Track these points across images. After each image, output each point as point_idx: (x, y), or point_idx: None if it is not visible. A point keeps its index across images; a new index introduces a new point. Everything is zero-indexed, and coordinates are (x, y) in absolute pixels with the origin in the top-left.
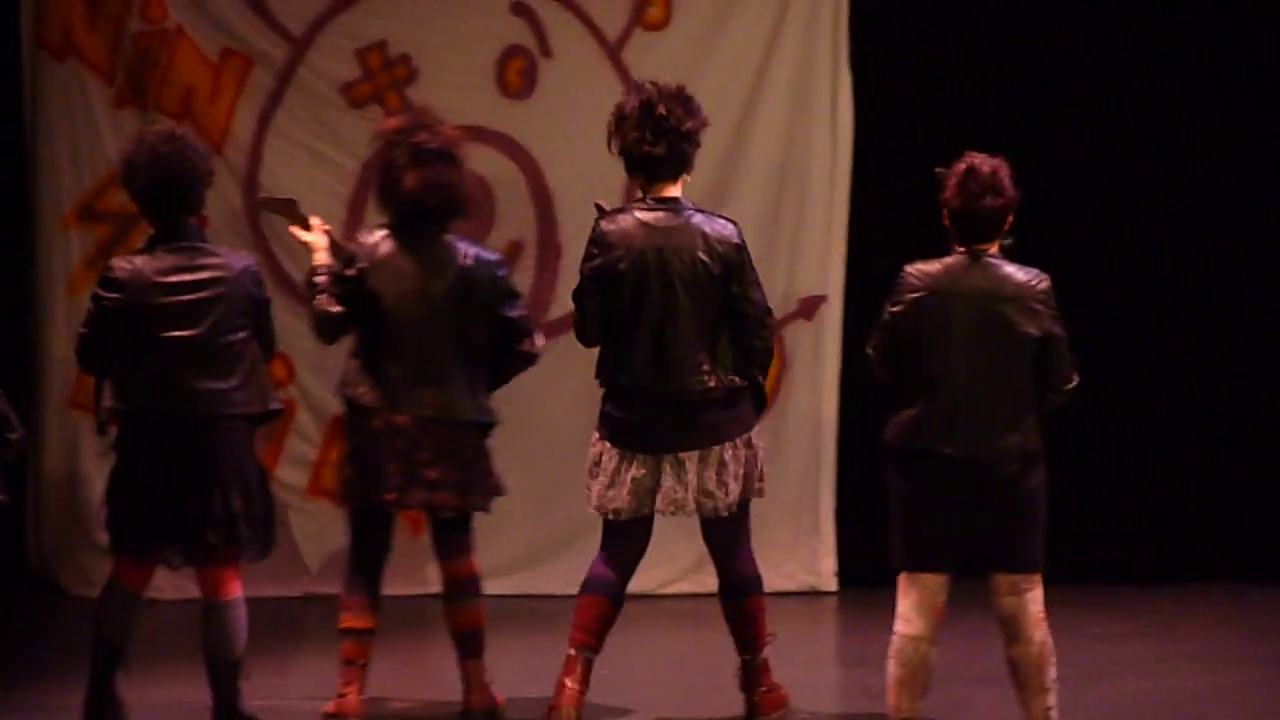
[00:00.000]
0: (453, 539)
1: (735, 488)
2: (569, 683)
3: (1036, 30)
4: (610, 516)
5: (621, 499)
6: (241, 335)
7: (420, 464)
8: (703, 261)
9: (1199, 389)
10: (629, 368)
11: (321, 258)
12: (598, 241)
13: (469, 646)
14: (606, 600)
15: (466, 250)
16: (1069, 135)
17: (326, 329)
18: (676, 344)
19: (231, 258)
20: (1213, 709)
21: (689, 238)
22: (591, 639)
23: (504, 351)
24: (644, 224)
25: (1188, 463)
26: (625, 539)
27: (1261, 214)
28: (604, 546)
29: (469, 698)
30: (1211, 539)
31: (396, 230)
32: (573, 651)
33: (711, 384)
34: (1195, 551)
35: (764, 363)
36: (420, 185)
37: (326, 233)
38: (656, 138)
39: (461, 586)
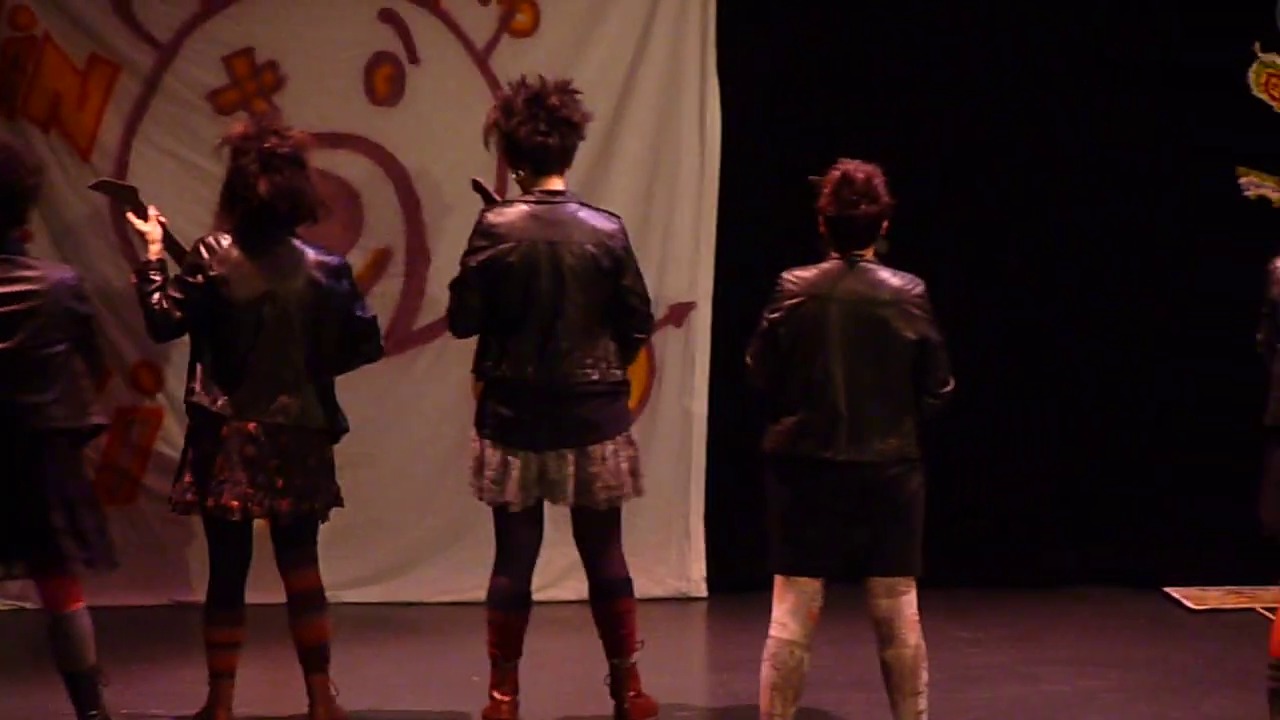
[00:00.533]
0: (297, 550)
1: (614, 484)
2: (499, 695)
3: (904, 37)
4: (498, 507)
5: (511, 492)
6: (59, 349)
7: (269, 471)
8: (592, 255)
9: (1071, 395)
10: (514, 361)
11: (157, 250)
12: (485, 233)
13: (315, 661)
14: (514, 611)
15: (313, 254)
16: (938, 141)
17: (164, 330)
18: (565, 337)
19: (50, 270)
20: (1083, 713)
21: (578, 230)
22: (510, 651)
23: (349, 350)
24: (533, 216)
25: (1060, 467)
26: (517, 531)
27: (1123, 223)
28: (499, 547)
29: (314, 711)
30: (1082, 544)
31: (244, 235)
32: (496, 664)
33: (595, 377)
34: (1066, 556)
35: (634, 357)
36: (272, 190)
37: (162, 225)
38: (550, 128)
39: (307, 600)
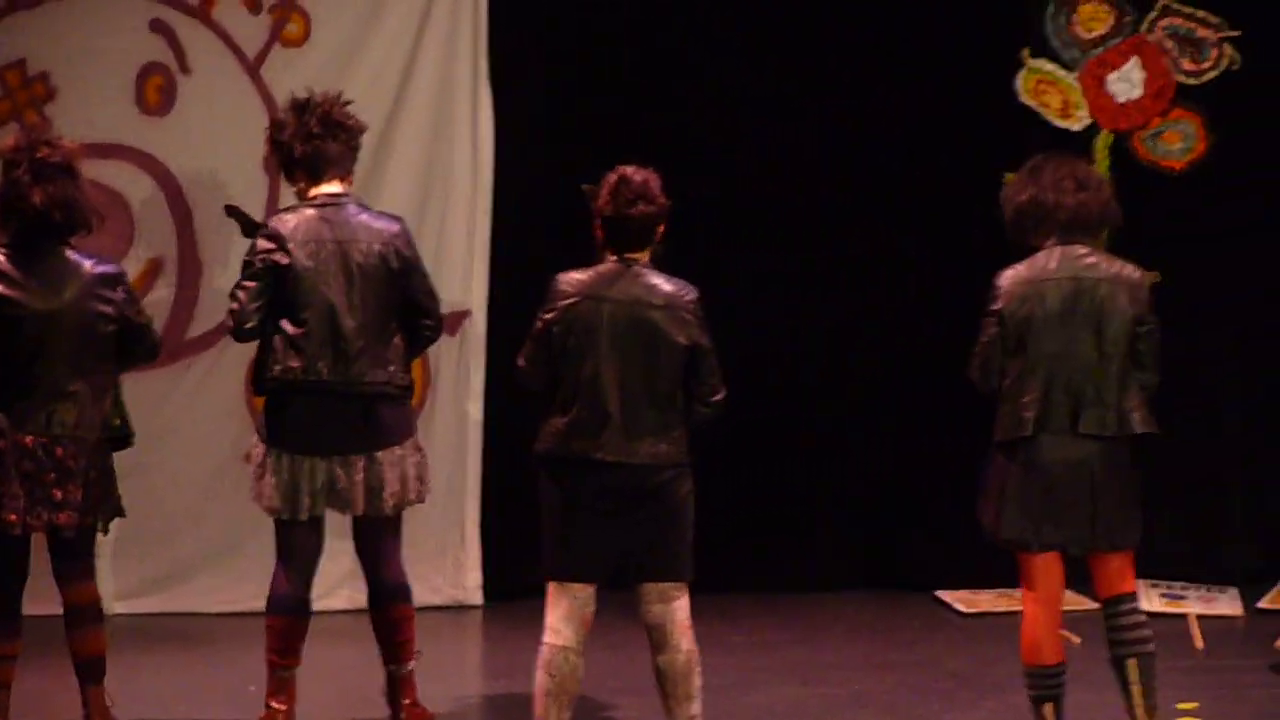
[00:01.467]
0: (73, 563)
1: (403, 490)
2: (275, 704)
3: (673, 45)
4: (284, 517)
5: (296, 501)
6: None
7: (47, 484)
8: (381, 254)
9: (844, 405)
10: (305, 363)
11: None
12: (273, 236)
13: (90, 672)
14: (294, 617)
15: (89, 265)
16: (708, 154)
17: None
18: (358, 337)
19: None
20: (857, 716)
21: (364, 231)
22: (289, 658)
23: (125, 354)
24: (320, 218)
25: (832, 474)
26: (300, 539)
27: (884, 237)
28: (280, 554)
29: None
30: (854, 548)
31: (19, 248)
32: (274, 672)
33: (386, 380)
34: (839, 561)
35: (419, 354)
36: (46, 201)
37: None
38: (324, 130)
39: (83, 613)
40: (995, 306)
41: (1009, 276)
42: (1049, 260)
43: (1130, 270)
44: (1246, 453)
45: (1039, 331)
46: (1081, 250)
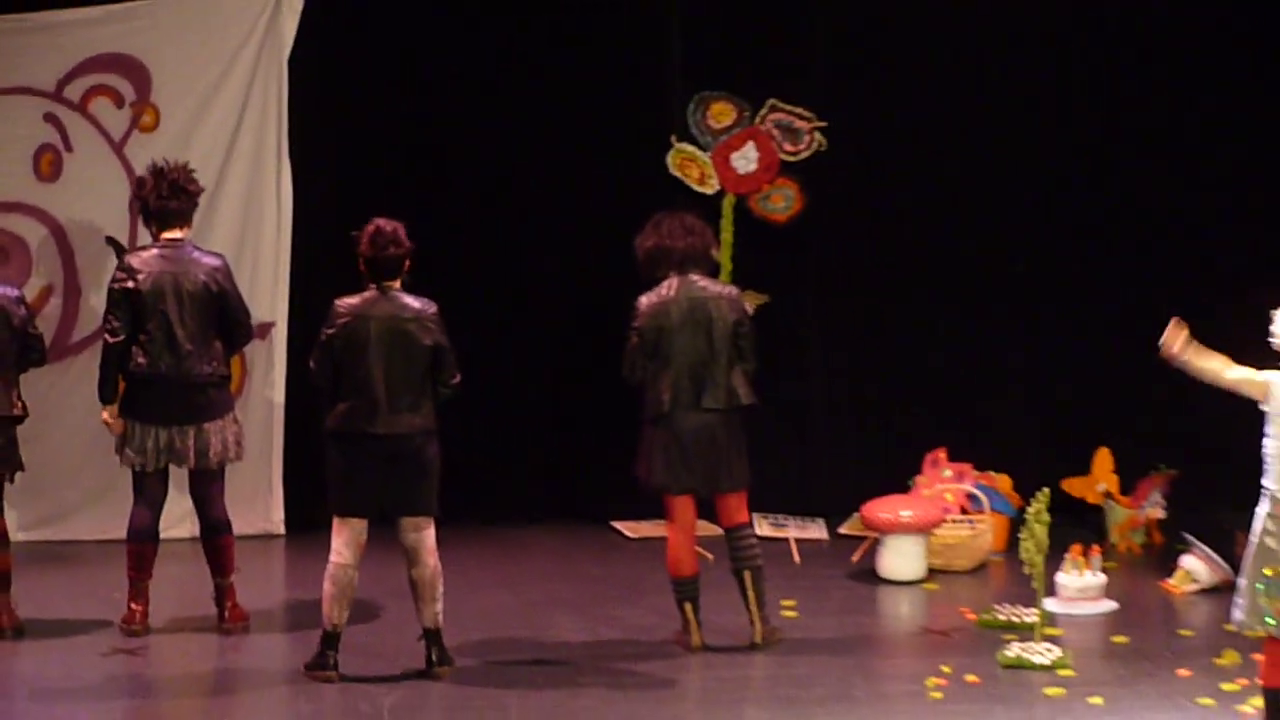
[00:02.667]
0: None
1: (223, 450)
2: (134, 606)
3: (430, 115)
4: (137, 469)
5: (145, 456)
6: None
7: None
8: (204, 283)
9: (540, 389)
10: (152, 360)
11: None
12: (125, 269)
13: (1, 584)
14: (149, 542)
15: (1, 289)
16: (455, 205)
17: None
18: (188, 342)
19: None
20: (550, 613)
21: (195, 266)
22: (144, 573)
23: (24, 358)
24: (161, 256)
25: (533, 429)
26: (150, 487)
27: (576, 265)
28: (136, 497)
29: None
30: (551, 488)
31: None
32: (132, 583)
33: (209, 371)
34: (539, 498)
35: (234, 354)
36: None
37: None
38: (171, 194)
39: None
40: (636, 324)
41: (644, 301)
42: (670, 288)
43: (730, 290)
44: (830, 414)
45: (668, 339)
46: (694, 278)
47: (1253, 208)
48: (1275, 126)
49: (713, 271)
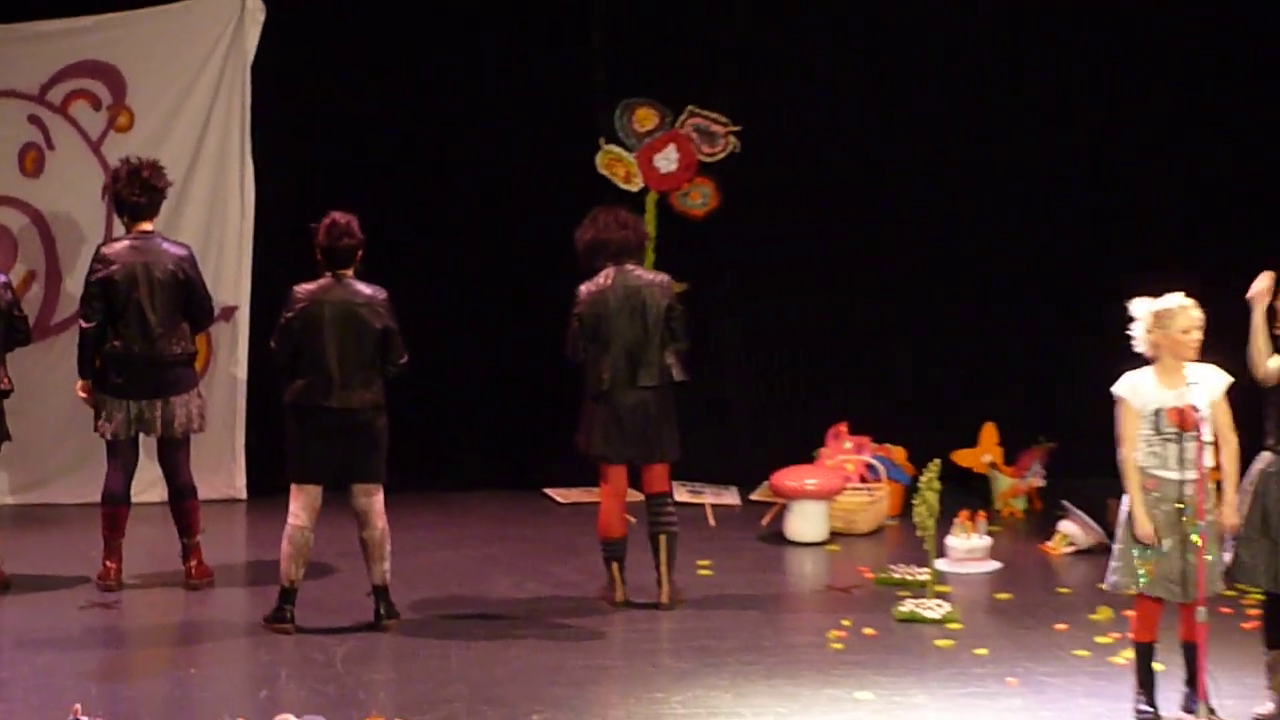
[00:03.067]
0: None
1: (188, 422)
2: (109, 563)
3: (384, 119)
4: (109, 439)
5: (117, 427)
6: None
7: None
8: (172, 271)
9: (481, 364)
10: (125, 341)
11: None
12: (100, 259)
13: None
14: (122, 505)
15: None
16: (403, 199)
17: None
18: (158, 325)
19: None
20: (488, 570)
21: (164, 256)
22: (117, 533)
23: (10, 338)
24: (133, 247)
25: (474, 406)
26: (122, 454)
27: (523, 254)
28: (110, 464)
29: None
30: (489, 459)
31: None
32: (107, 542)
33: (178, 351)
34: (479, 469)
35: (199, 334)
36: None
37: None
38: (141, 191)
39: None
40: (577, 310)
41: (584, 289)
42: (608, 277)
43: (661, 277)
44: (742, 391)
45: (606, 323)
46: (629, 267)
47: (1126, 197)
48: (1151, 119)
49: (641, 256)
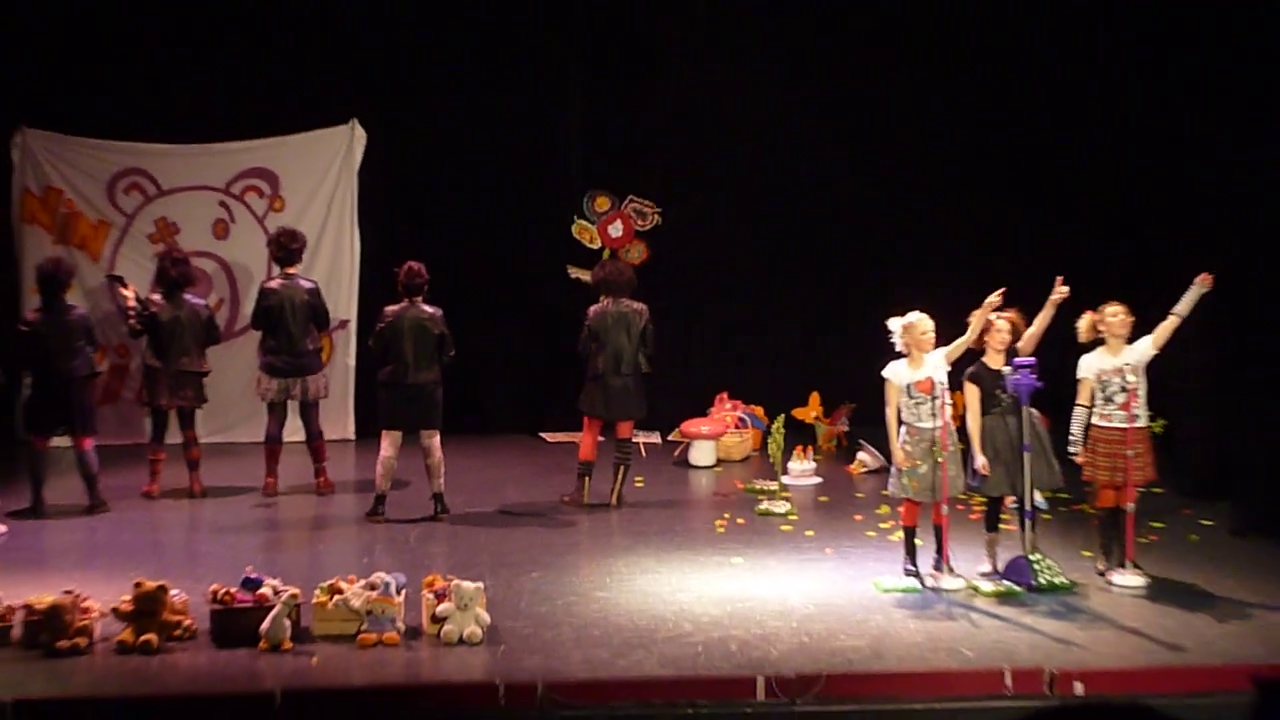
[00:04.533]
0: (191, 431)
1: (318, 391)
2: (269, 479)
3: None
4: (267, 400)
5: (274, 394)
6: (82, 343)
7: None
8: (306, 299)
9: (516, 356)
10: (278, 342)
11: (131, 301)
12: (262, 292)
13: (193, 465)
14: (277, 443)
15: (193, 300)
16: (455, 248)
17: (135, 335)
18: (298, 335)
19: (77, 310)
20: (505, 486)
21: (301, 289)
22: (274, 460)
23: (209, 338)
24: (283, 284)
25: (500, 377)
26: (277, 411)
27: (554, 290)
28: (269, 416)
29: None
30: (503, 409)
31: (166, 294)
32: (269, 465)
33: (311, 349)
34: (493, 417)
35: (324, 335)
36: (180, 274)
37: (135, 292)
38: (287, 249)
39: (190, 446)
40: (587, 323)
41: (592, 310)
42: (607, 304)
43: (641, 306)
44: (662, 368)
45: (604, 333)
46: (623, 299)
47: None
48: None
49: (631, 291)
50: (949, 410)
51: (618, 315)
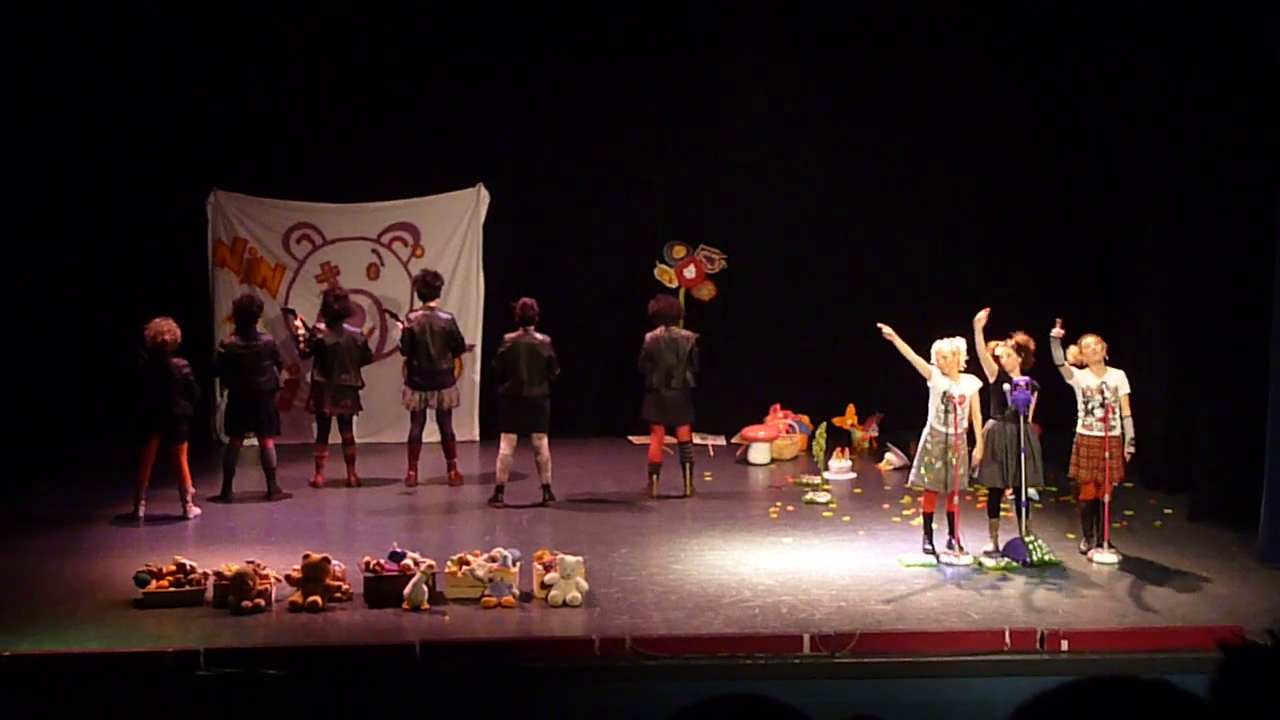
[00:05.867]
0: (349, 431)
1: (452, 402)
2: (411, 472)
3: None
4: (410, 409)
5: (415, 403)
6: (269, 362)
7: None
8: (443, 327)
9: (594, 368)
10: (420, 361)
11: (301, 330)
12: (408, 320)
13: (348, 459)
14: (417, 443)
15: (351, 330)
16: (561, 288)
17: (304, 356)
18: (437, 357)
19: (265, 336)
20: (598, 481)
21: (439, 319)
22: (414, 457)
23: (363, 359)
24: (424, 315)
25: (584, 390)
26: (418, 417)
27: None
28: (412, 421)
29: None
30: (592, 419)
31: (329, 322)
32: (411, 460)
33: (446, 368)
34: (590, 420)
35: (457, 357)
36: (342, 307)
37: (304, 321)
38: (428, 286)
39: (347, 444)
40: (645, 346)
41: (649, 336)
42: (662, 330)
43: (689, 333)
44: (726, 383)
45: (659, 354)
46: (674, 327)
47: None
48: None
49: (679, 322)
50: (964, 423)
51: (669, 340)
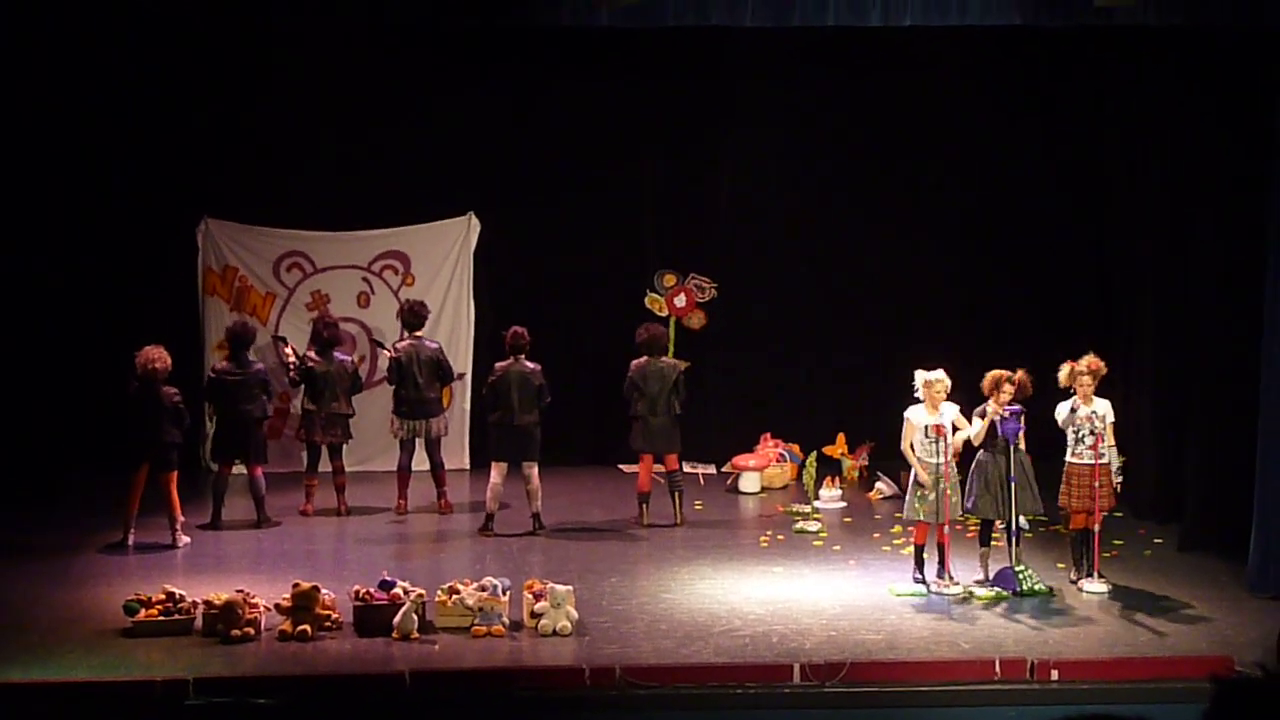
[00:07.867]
0: (339, 460)
1: (440, 430)
2: (401, 500)
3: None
4: (399, 438)
5: (404, 432)
6: (259, 390)
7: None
8: (430, 356)
9: (582, 397)
10: (408, 391)
11: (291, 357)
12: (396, 349)
13: (340, 486)
14: (406, 472)
15: (342, 357)
16: (553, 314)
17: (293, 384)
18: (425, 387)
19: (257, 364)
20: (579, 496)
21: (427, 349)
22: (404, 485)
23: (353, 388)
24: (411, 344)
25: (573, 415)
26: (406, 446)
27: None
28: (401, 450)
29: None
30: (582, 445)
31: (320, 350)
32: (400, 489)
33: (434, 397)
34: (577, 450)
35: (446, 387)
36: (331, 334)
37: (294, 349)
38: (415, 316)
39: (337, 472)
40: (630, 374)
41: (635, 364)
42: (647, 359)
43: (675, 362)
44: (716, 412)
45: (645, 383)
46: (659, 356)
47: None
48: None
49: (665, 351)
50: (951, 451)
51: (655, 369)
